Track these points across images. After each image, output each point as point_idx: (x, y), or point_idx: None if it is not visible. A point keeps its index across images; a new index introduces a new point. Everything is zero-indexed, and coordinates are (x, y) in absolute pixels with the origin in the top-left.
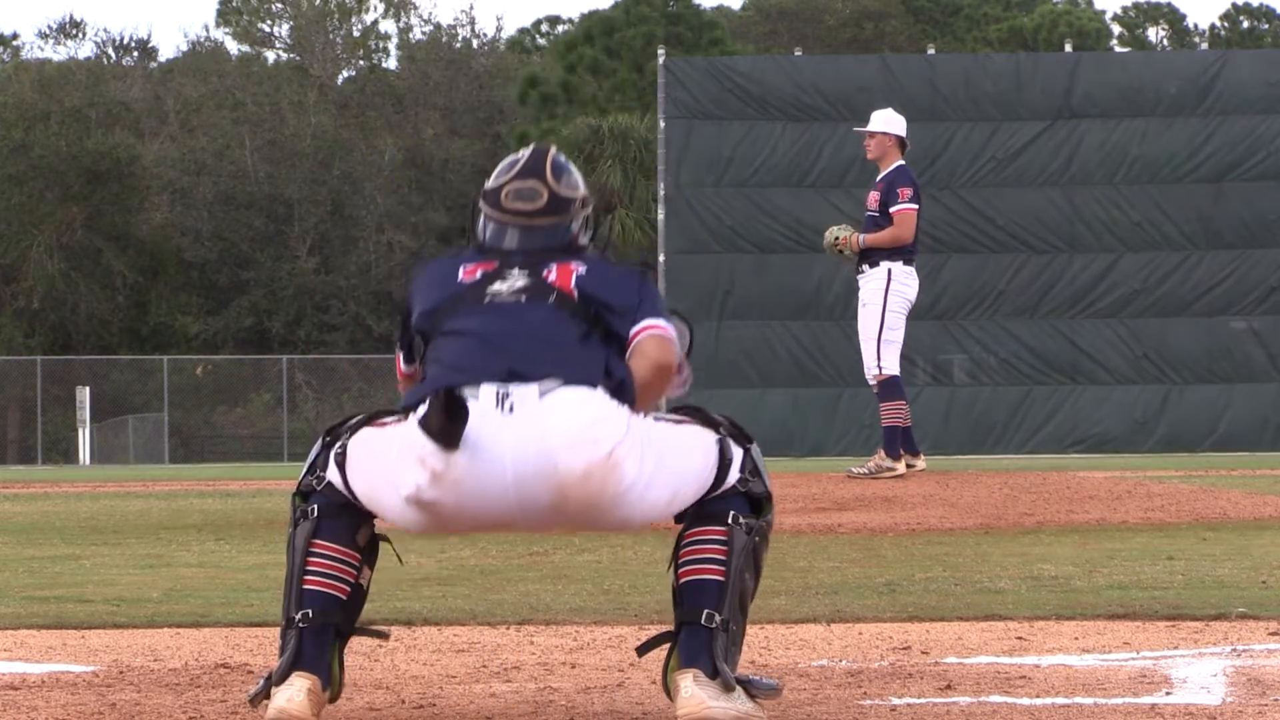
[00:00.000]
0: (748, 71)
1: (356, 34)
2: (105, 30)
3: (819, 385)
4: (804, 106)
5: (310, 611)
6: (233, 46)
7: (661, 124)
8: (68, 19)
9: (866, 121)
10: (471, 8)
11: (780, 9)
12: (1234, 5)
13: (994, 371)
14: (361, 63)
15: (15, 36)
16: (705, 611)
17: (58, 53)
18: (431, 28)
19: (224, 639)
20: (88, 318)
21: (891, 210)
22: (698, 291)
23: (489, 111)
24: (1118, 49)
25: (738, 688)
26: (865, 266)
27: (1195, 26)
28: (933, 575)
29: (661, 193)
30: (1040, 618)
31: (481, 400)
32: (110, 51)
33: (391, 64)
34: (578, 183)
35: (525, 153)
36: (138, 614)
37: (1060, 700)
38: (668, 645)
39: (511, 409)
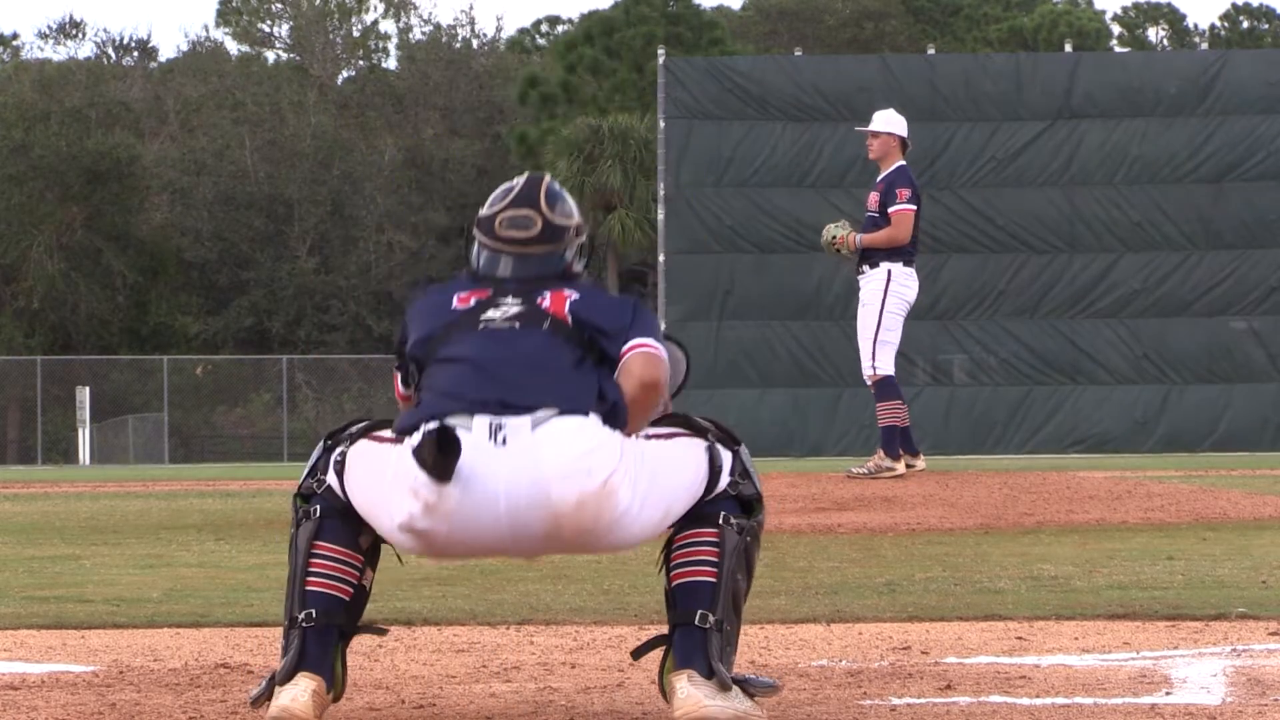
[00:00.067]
0: (748, 71)
1: (356, 34)
2: (105, 30)
3: (819, 385)
4: (804, 106)
5: (314, 611)
6: (233, 46)
7: (661, 124)
8: (68, 19)
9: (866, 121)
10: (471, 8)
11: (780, 9)
12: (1234, 5)
13: (994, 371)
14: (361, 63)
15: (15, 36)
16: (699, 612)
17: (58, 53)
18: (431, 28)
19: (224, 639)
20: (88, 318)
21: (890, 210)
22: (698, 291)
23: (489, 111)
24: (1118, 49)
25: (734, 687)
26: (866, 267)
27: (1195, 26)
28: (933, 575)
29: (661, 193)
30: (1040, 618)
31: (474, 432)
32: (110, 51)
33: (391, 64)
34: (572, 211)
35: (519, 181)
36: (138, 614)
37: (1060, 700)
38: (663, 648)
39: (504, 441)
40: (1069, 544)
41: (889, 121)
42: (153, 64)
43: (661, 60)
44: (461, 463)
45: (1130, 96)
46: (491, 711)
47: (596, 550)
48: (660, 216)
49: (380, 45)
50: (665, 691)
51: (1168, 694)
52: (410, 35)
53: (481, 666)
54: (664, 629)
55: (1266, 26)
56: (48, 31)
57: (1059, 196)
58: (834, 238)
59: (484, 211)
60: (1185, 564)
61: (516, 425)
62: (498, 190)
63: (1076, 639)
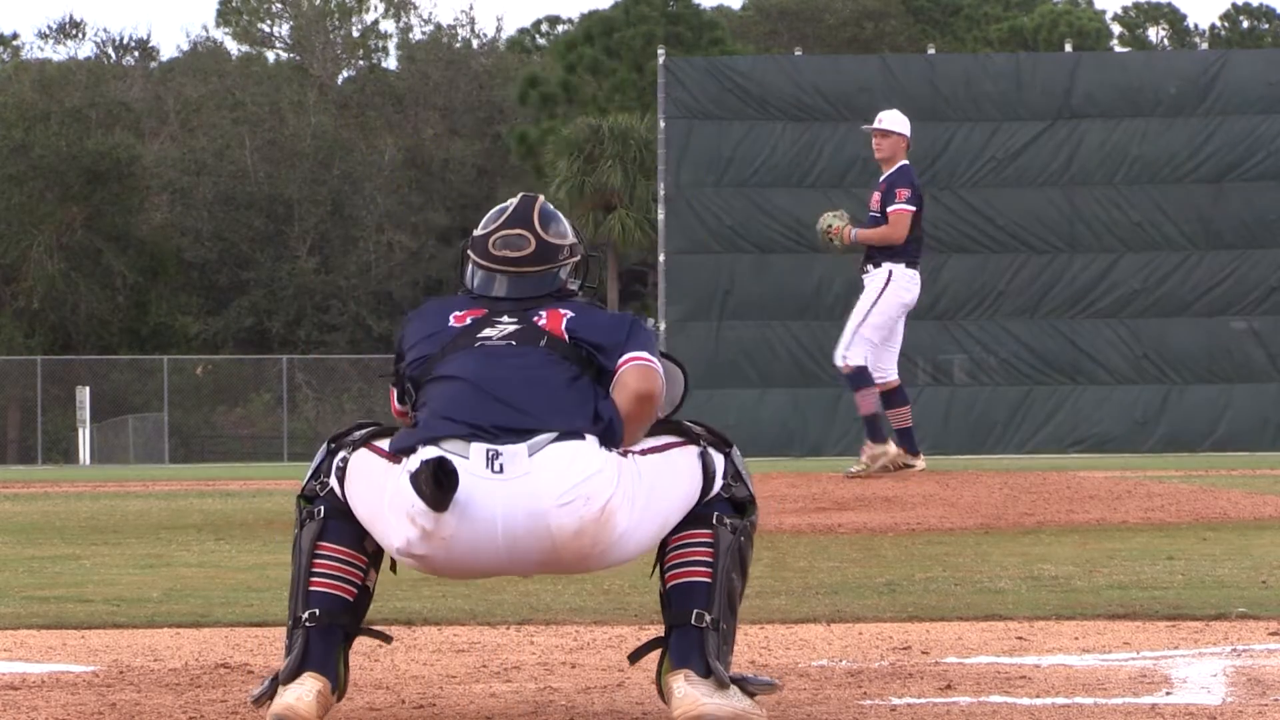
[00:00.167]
0: (748, 71)
1: (356, 34)
2: (105, 30)
3: (819, 385)
4: (804, 106)
5: (318, 611)
6: (233, 46)
7: (661, 124)
8: (68, 19)
9: (867, 121)
10: (471, 8)
11: (780, 9)
12: (1234, 5)
13: (994, 371)
14: (361, 63)
15: (15, 36)
16: (695, 611)
17: (58, 53)
18: (431, 28)
19: (224, 639)
20: (88, 318)
21: (888, 210)
22: (698, 291)
23: (489, 111)
24: (1118, 49)
25: (732, 685)
26: (869, 266)
27: (1195, 26)
28: (933, 575)
29: (661, 193)
30: (1040, 618)
31: (471, 460)
32: (110, 51)
33: (391, 64)
34: (566, 230)
35: (513, 201)
36: (138, 614)
37: (1060, 700)
38: (660, 650)
39: (501, 469)
40: (1069, 544)
41: (897, 121)
42: (153, 64)
43: (661, 60)
44: (459, 492)
45: (1130, 96)
46: (491, 711)
47: (594, 570)
48: (660, 216)
49: (380, 45)
50: (663, 692)
51: (1168, 694)
52: (410, 35)
53: (481, 666)
54: (663, 629)
55: (1266, 26)
56: (48, 31)
57: (1059, 196)
58: (829, 226)
59: (478, 232)
60: (1185, 564)
61: (513, 453)
62: (491, 211)
63: (1077, 639)
